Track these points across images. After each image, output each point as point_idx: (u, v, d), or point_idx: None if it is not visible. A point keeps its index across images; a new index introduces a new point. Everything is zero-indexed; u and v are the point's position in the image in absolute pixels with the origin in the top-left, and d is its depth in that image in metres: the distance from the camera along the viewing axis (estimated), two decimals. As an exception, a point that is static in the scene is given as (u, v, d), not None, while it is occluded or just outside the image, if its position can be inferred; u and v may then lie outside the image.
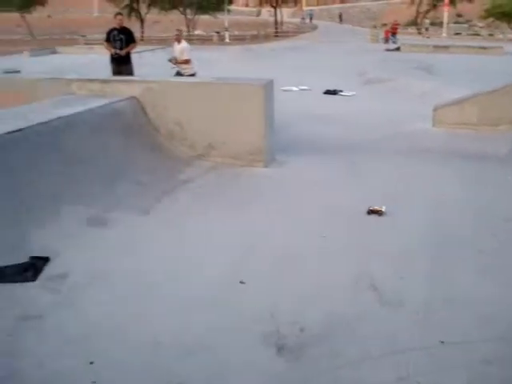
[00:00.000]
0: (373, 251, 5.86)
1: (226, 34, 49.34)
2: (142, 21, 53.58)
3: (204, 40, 48.61)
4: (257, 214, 6.98)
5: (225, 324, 4.62)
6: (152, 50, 33.13)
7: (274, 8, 60.72)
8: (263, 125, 8.62)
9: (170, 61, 12.58)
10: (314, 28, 65.39)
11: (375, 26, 46.05)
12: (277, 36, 54.65)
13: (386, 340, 4.34)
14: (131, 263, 5.71)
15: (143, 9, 53.56)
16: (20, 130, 7.24)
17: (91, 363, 4.11)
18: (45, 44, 43.51)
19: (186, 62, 12.52)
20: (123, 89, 9.63)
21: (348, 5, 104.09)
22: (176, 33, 12.89)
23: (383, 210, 6.89)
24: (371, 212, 6.87)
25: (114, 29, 11.94)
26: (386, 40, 41.67)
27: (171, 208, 7.19)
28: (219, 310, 4.82)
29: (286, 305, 4.86)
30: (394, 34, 42.46)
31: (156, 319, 4.71)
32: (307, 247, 6.01)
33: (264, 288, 5.18)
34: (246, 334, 4.47)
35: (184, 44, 12.67)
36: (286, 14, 71.60)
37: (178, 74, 12.50)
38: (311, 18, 77.83)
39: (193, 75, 12.42)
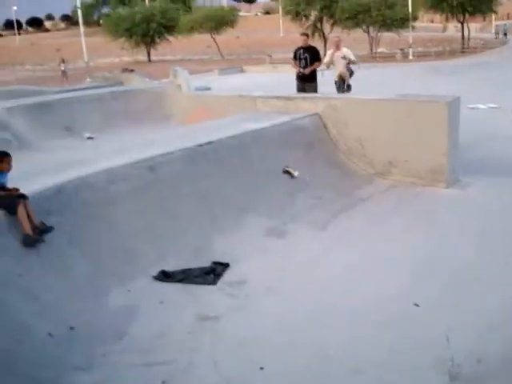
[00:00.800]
0: None
1: (410, 51, 48.32)
2: (325, 40, 54.53)
3: (387, 57, 48.09)
4: (435, 236, 6.72)
5: (395, 344, 4.52)
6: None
7: (461, 23, 58.35)
8: (447, 143, 8.29)
9: (344, 61, 12.55)
10: (504, 43, 61.52)
11: None
12: (463, 52, 52.32)
13: None
14: (306, 276, 5.81)
15: (327, 28, 54.42)
16: (210, 142, 7.77)
17: (261, 369, 4.26)
18: (232, 63, 46.05)
19: (354, 62, 12.68)
20: (306, 106, 9.88)
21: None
22: (335, 39, 13.12)
23: (294, 173, 7.97)
24: (286, 172, 7.98)
25: (301, 47, 12.30)
26: None
27: (348, 225, 7.19)
28: (390, 329, 4.72)
29: (462, 331, 4.61)
30: None
31: (326, 332, 4.74)
32: (488, 272, 5.65)
33: (439, 310, 4.98)
34: (418, 356, 4.32)
35: (345, 49, 12.77)
36: (473, 29, 68.11)
37: (340, 86, 12.48)
38: (506, 33, 72.90)
39: (351, 74, 12.51)
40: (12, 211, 5.42)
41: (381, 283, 5.54)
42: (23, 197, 5.53)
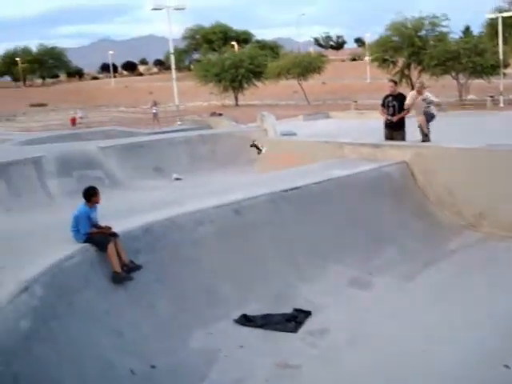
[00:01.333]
0: None
1: (501, 98, 47.01)
2: (412, 86, 54.03)
3: (477, 105, 46.94)
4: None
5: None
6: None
7: (557, 71, 56.39)
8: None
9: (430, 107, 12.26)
10: None
11: None
12: (558, 101, 50.35)
13: None
14: (390, 330, 5.61)
15: (414, 75, 53.94)
16: (295, 188, 7.78)
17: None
18: (318, 109, 46.37)
19: (439, 104, 12.41)
20: (394, 153, 9.76)
21: None
22: (418, 85, 12.90)
23: (262, 149, 7.11)
24: (253, 146, 7.26)
25: (389, 95, 12.20)
26: None
27: (436, 278, 6.91)
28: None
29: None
30: None
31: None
32: None
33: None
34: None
35: (427, 92, 12.45)
36: None
37: (425, 136, 12.16)
38: None
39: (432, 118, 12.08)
40: (103, 248, 5.62)
41: (466, 340, 5.28)
42: (114, 235, 5.72)
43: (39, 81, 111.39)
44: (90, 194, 5.82)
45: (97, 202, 5.85)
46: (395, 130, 11.57)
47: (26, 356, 4.19)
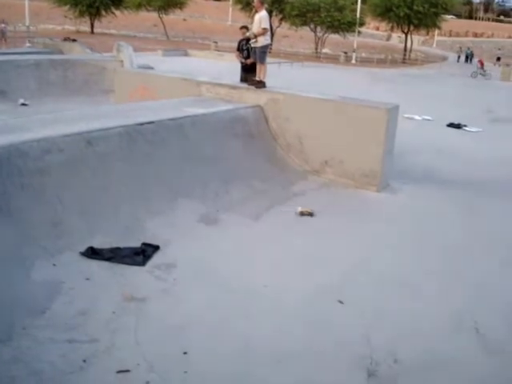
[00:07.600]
0: (482, 293, 5.64)
1: (353, 55, 49.33)
2: (272, 34, 54.72)
3: (330, 59, 48.82)
4: (364, 237, 6.91)
5: (318, 339, 4.63)
6: (278, 63, 33.75)
7: (405, 34, 59.83)
8: (382, 149, 8.52)
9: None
10: (444, 59, 63.46)
11: (508, 65, 43.77)
12: (404, 63, 53.77)
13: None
14: (236, 264, 5.85)
15: (275, 22, 54.65)
16: (150, 122, 7.64)
17: (185, 353, 4.26)
18: (177, 45, 45.47)
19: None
20: (249, 96, 9.89)
21: (480, 39, 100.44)
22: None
23: (312, 211, 7.41)
24: (303, 214, 7.38)
25: (244, 39, 12.25)
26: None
27: (279, 218, 7.28)
28: (314, 325, 4.83)
29: (382, 332, 4.79)
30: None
31: (251, 324, 4.79)
32: (410, 278, 5.88)
33: (362, 311, 5.13)
34: (339, 353, 4.46)
35: (263, 13, 10.99)
36: (415, 41, 69.53)
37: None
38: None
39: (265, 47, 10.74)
40: None
41: (307, 278, 5.65)
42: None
43: None
44: None
45: None
46: (250, 72, 11.66)
47: None
